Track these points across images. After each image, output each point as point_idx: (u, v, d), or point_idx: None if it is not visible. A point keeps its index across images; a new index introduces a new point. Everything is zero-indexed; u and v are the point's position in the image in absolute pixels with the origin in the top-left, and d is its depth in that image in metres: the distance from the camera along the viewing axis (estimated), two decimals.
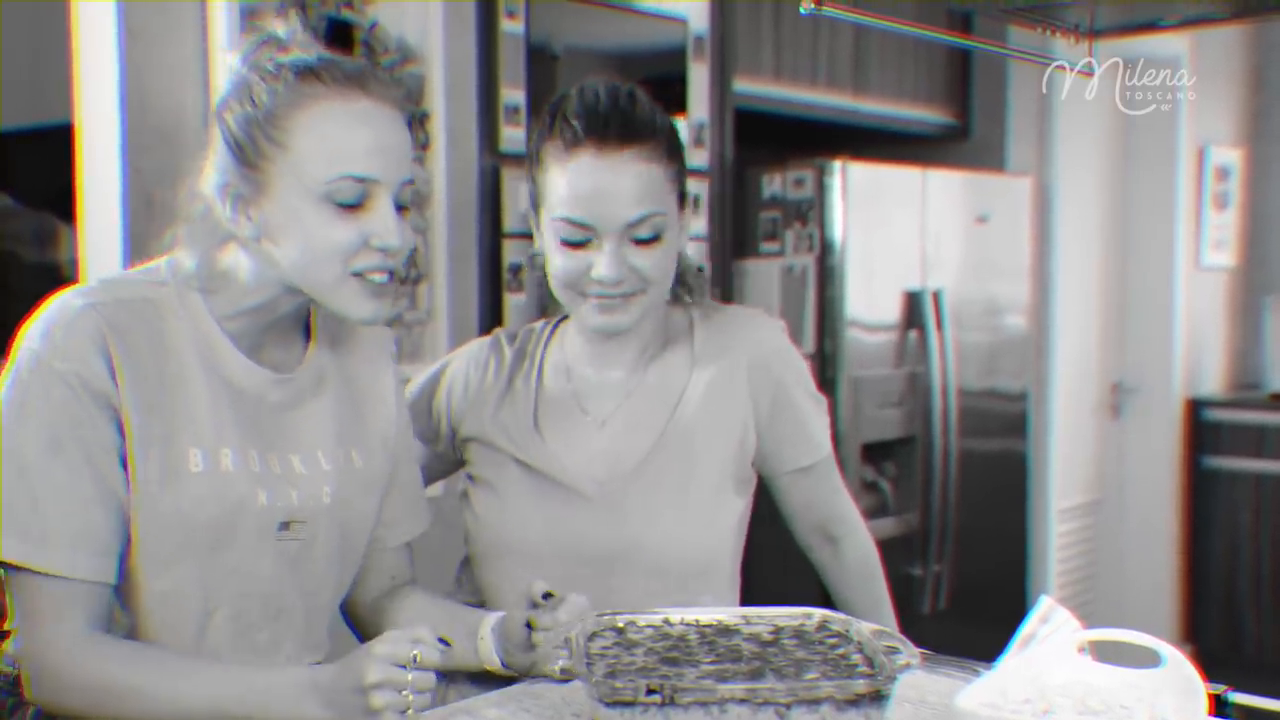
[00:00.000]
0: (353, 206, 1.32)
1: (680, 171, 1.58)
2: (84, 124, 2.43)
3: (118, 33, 2.34)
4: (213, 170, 1.35)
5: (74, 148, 2.46)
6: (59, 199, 2.89)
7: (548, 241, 1.56)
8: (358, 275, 1.33)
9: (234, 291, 1.37)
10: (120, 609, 1.35)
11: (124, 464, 1.30)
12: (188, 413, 1.33)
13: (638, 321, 1.58)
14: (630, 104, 1.54)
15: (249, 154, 1.32)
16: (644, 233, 1.52)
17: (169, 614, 1.35)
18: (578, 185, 1.51)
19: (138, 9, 2.36)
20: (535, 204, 1.59)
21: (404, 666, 1.20)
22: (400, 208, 1.36)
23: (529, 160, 1.59)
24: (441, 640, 1.23)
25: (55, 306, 1.32)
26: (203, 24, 2.44)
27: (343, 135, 1.31)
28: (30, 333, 1.31)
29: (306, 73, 1.33)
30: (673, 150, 1.56)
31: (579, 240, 1.52)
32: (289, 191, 1.31)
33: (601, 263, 1.51)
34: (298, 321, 1.45)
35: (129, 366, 1.30)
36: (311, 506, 1.40)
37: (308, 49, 1.36)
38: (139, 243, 2.37)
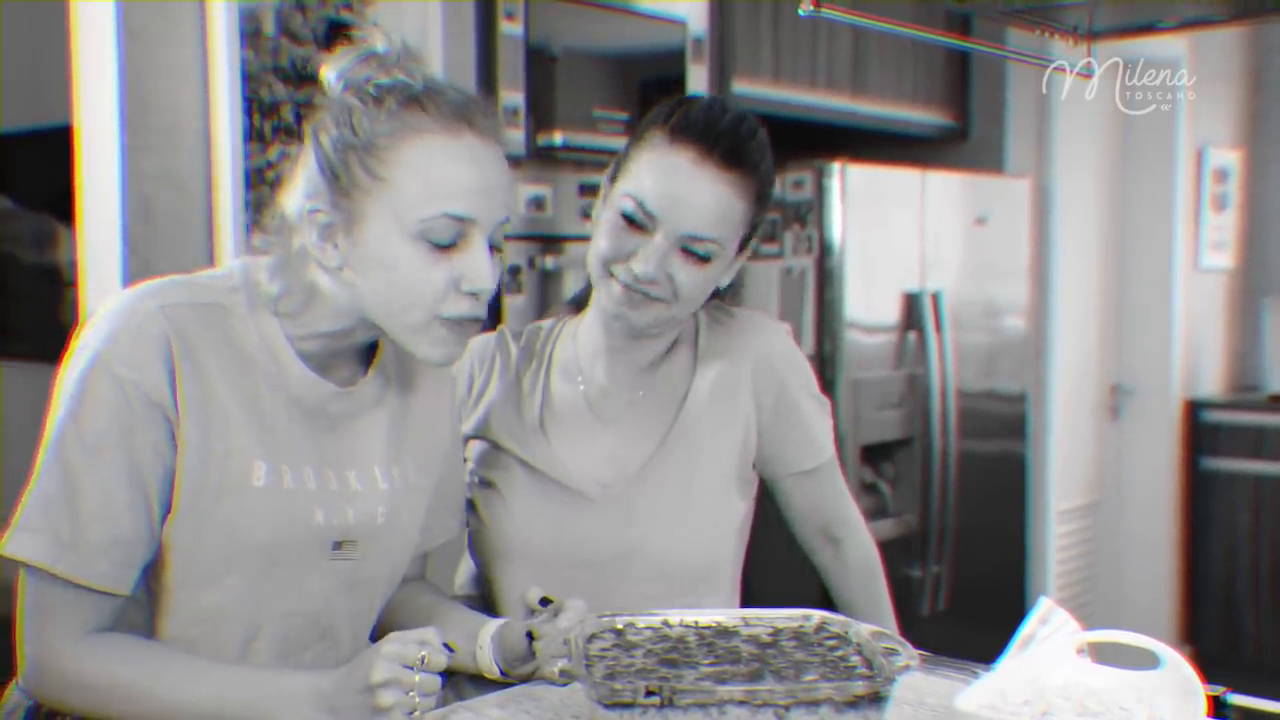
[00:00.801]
0: (446, 246, 1.27)
1: (757, 218, 1.58)
2: (83, 126, 2.44)
3: (117, 34, 2.34)
4: (300, 192, 1.31)
5: (73, 150, 2.46)
6: (58, 201, 2.90)
7: (605, 216, 1.56)
8: (443, 320, 1.29)
9: (311, 316, 1.33)
10: (157, 622, 1.33)
11: (171, 477, 1.28)
12: (252, 426, 1.30)
13: (649, 328, 1.58)
14: (750, 135, 1.55)
15: (343, 182, 1.27)
16: (696, 249, 1.52)
17: (212, 631, 1.32)
18: (665, 178, 1.51)
19: (137, 10, 2.36)
20: (615, 174, 1.58)
21: (410, 667, 1.19)
22: (492, 247, 1.30)
23: (632, 135, 1.58)
24: (446, 645, 1.22)
25: (126, 305, 1.28)
26: (202, 25, 2.44)
27: (447, 173, 1.26)
28: (97, 327, 1.27)
29: (412, 102, 1.27)
30: (761, 196, 1.57)
31: (639, 222, 1.52)
32: (383, 226, 1.27)
33: (645, 257, 1.51)
34: (368, 343, 1.41)
35: (192, 376, 1.27)
36: (366, 526, 1.37)
37: (411, 72, 1.30)
38: (138, 245, 2.37)
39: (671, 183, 1.50)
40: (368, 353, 1.42)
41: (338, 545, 1.35)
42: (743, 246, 1.60)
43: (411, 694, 1.19)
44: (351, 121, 1.27)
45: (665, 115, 1.54)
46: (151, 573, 1.31)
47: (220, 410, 1.28)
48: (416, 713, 1.20)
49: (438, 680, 1.21)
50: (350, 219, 1.28)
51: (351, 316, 1.32)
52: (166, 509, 1.28)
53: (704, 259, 1.53)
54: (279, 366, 1.33)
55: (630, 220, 1.52)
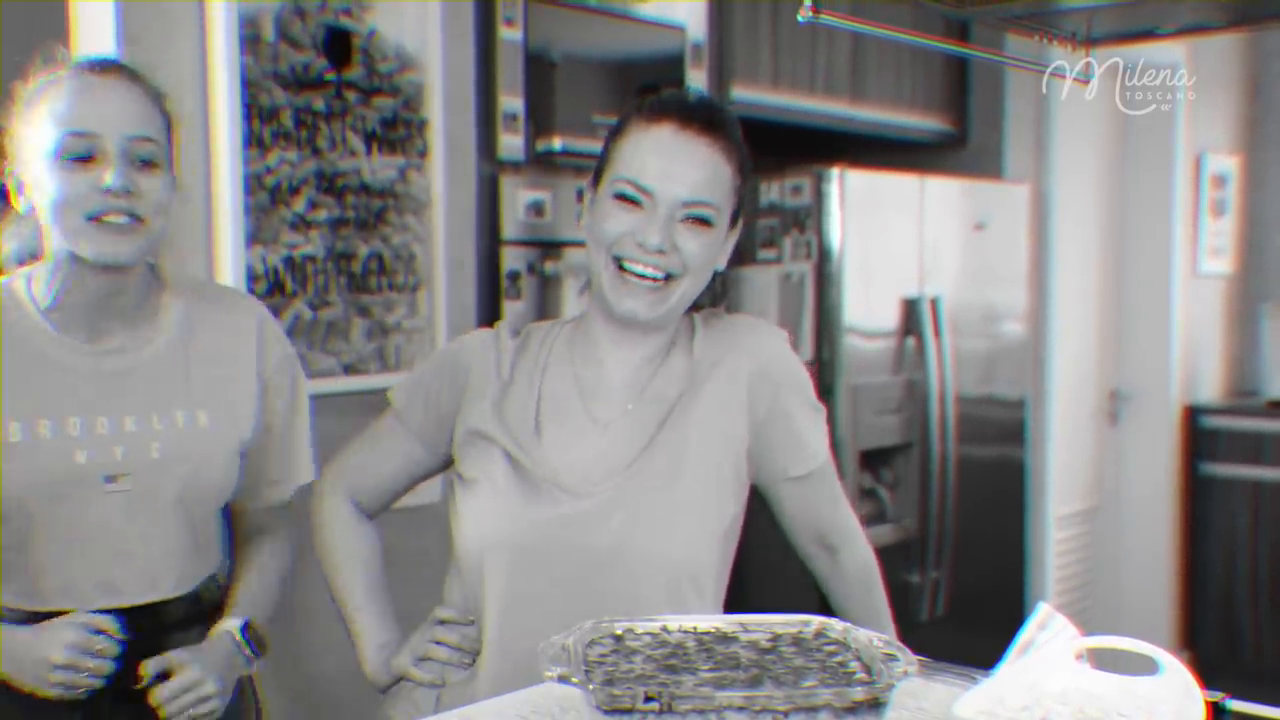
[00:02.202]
0: (82, 159, 1.53)
1: (741, 189, 1.62)
2: None
3: (116, 39, 2.34)
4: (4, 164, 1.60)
5: None
6: None
7: (600, 207, 1.59)
8: (89, 219, 1.53)
9: (51, 278, 1.59)
10: None
11: None
12: (8, 395, 1.56)
13: (663, 316, 1.59)
14: (719, 108, 1.63)
15: (14, 139, 1.58)
16: (696, 213, 1.56)
17: (24, 560, 1.59)
18: (653, 152, 1.56)
19: (136, 14, 2.36)
20: (599, 175, 1.61)
21: (90, 652, 1.52)
22: (146, 163, 1.56)
23: (610, 134, 1.63)
24: (127, 627, 1.56)
25: None
26: (201, 30, 2.44)
27: (63, 102, 1.54)
28: None
29: (53, 64, 1.59)
30: (742, 166, 1.62)
31: (635, 199, 1.55)
32: (34, 159, 1.55)
33: (650, 229, 1.54)
34: (143, 305, 1.65)
35: None
36: (138, 460, 1.61)
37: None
38: None
39: (659, 155, 1.56)
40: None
41: (110, 479, 1.60)
42: (734, 221, 1.63)
43: (82, 675, 1.53)
44: (17, 91, 1.59)
45: (637, 106, 1.61)
46: None
47: None
48: (80, 691, 1.53)
49: (110, 665, 1.55)
50: (21, 165, 1.57)
51: (66, 262, 1.57)
52: None
53: (705, 223, 1.57)
54: (35, 336, 1.59)
55: (627, 199, 1.56)
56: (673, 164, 1.55)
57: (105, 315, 1.62)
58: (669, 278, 1.56)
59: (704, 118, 1.58)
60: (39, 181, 1.56)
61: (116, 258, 1.56)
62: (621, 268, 1.56)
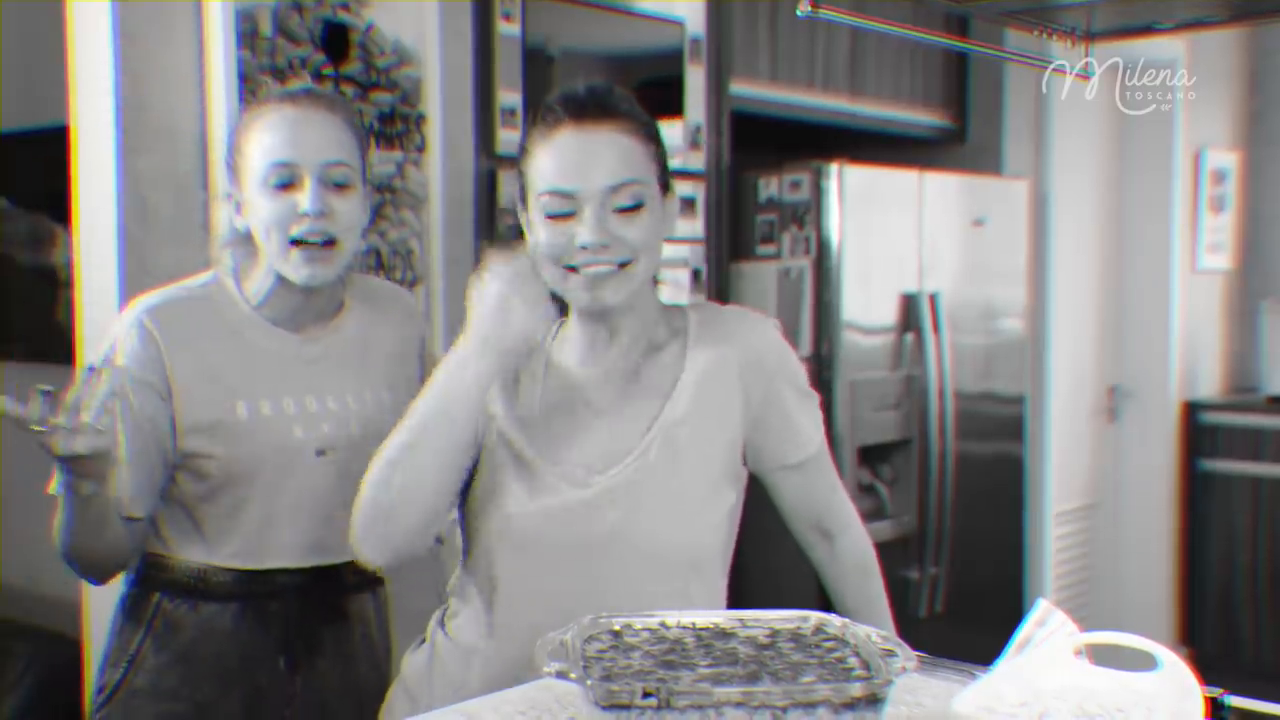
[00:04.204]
0: (283, 186, 1.72)
1: (659, 154, 1.63)
2: (79, 126, 2.43)
3: (113, 35, 2.34)
4: (222, 185, 1.82)
5: (69, 150, 2.46)
6: (54, 201, 2.89)
7: (535, 225, 1.60)
8: (292, 242, 1.73)
9: (262, 283, 1.81)
10: (205, 527, 1.80)
11: (166, 433, 1.74)
12: (231, 377, 1.77)
13: (626, 300, 1.59)
14: (606, 91, 1.63)
15: (231, 165, 1.79)
16: (624, 200, 1.56)
17: (242, 524, 1.78)
18: (559, 157, 1.57)
19: (133, 11, 2.36)
20: (524, 196, 1.63)
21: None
22: (339, 185, 1.74)
23: (519, 159, 1.64)
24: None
25: (122, 318, 1.79)
26: (198, 26, 2.44)
27: (269, 135, 1.74)
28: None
29: (260, 101, 1.80)
30: (649, 132, 1.62)
31: (563, 212, 1.56)
32: (249, 186, 1.75)
33: (584, 229, 1.55)
34: (333, 302, 1.86)
35: (178, 355, 1.74)
36: (343, 435, 1.82)
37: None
38: (134, 245, 2.37)
39: (566, 157, 1.57)
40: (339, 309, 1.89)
41: (320, 452, 1.81)
42: (666, 188, 1.64)
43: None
44: (243, 120, 1.81)
45: (533, 122, 1.63)
46: (179, 492, 1.79)
47: (203, 373, 1.76)
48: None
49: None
50: (239, 189, 1.78)
51: (272, 275, 1.78)
52: (166, 453, 1.75)
53: (636, 206, 1.57)
54: (249, 329, 1.80)
55: (554, 215, 1.57)
56: (582, 158, 1.56)
57: (305, 313, 1.83)
58: (623, 265, 1.57)
59: (595, 106, 1.59)
60: (253, 204, 1.75)
61: (312, 280, 1.76)
62: (569, 267, 1.58)
